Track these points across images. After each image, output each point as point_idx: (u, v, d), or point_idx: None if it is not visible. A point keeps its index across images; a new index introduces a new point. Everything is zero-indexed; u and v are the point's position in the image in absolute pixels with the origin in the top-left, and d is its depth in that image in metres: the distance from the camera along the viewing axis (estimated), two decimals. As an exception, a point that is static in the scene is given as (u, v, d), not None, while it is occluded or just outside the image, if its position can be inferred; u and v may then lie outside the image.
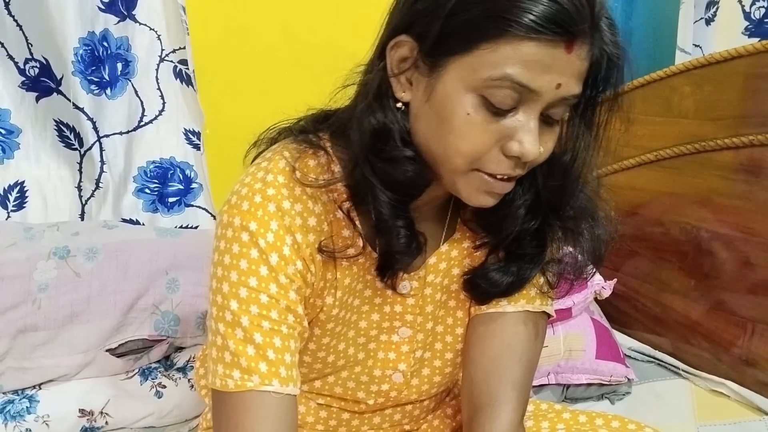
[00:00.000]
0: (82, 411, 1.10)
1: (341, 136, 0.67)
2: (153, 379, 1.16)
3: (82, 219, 1.33)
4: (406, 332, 0.76)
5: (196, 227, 1.39)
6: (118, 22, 1.27)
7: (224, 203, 0.66)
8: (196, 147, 1.36)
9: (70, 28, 1.23)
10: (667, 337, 1.41)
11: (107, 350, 1.12)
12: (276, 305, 0.63)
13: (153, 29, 1.30)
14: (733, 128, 1.24)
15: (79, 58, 1.25)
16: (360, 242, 0.68)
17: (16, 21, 1.20)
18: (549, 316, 0.79)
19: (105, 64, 1.28)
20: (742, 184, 1.26)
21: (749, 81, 1.23)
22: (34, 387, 1.11)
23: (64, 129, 1.29)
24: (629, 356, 1.36)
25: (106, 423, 1.12)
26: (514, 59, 0.56)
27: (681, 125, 1.33)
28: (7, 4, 1.19)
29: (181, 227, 1.37)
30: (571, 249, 0.74)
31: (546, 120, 0.61)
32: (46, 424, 1.08)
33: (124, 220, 1.34)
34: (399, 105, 0.63)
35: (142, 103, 1.32)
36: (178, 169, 1.36)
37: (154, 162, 1.35)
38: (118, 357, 1.13)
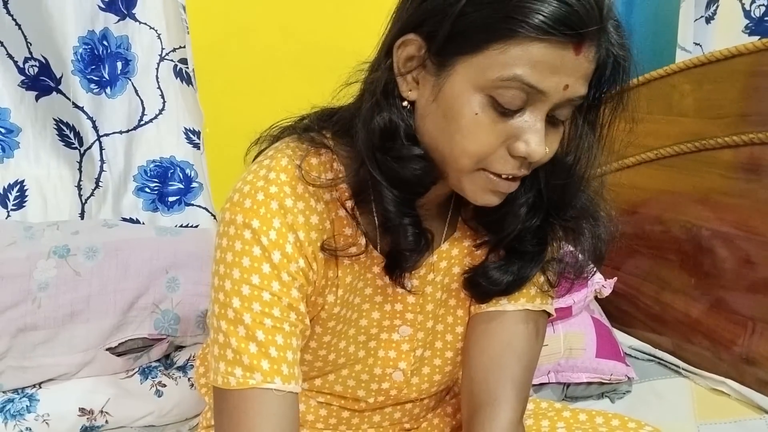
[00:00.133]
0: (82, 410, 1.10)
1: (345, 134, 0.67)
2: (153, 378, 1.16)
3: (82, 218, 1.33)
4: (406, 330, 0.76)
5: (196, 226, 1.39)
6: (118, 21, 1.27)
7: (226, 201, 0.66)
8: (196, 146, 1.36)
9: (69, 27, 1.23)
10: (667, 335, 1.41)
11: (107, 349, 1.12)
12: (278, 303, 0.63)
13: (153, 28, 1.30)
14: (734, 127, 1.24)
15: (79, 57, 1.25)
16: (362, 241, 0.68)
17: (14, 20, 1.20)
18: (549, 314, 0.79)
19: (105, 63, 1.28)
20: (743, 182, 1.26)
21: (749, 79, 1.23)
22: (34, 386, 1.11)
23: (64, 128, 1.29)
24: (629, 355, 1.36)
25: (106, 422, 1.12)
26: (524, 60, 0.56)
27: (681, 124, 1.33)
28: (5, 4, 1.18)
29: (181, 226, 1.37)
30: (571, 248, 0.75)
31: (551, 120, 0.61)
32: (46, 423, 1.08)
33: (124, 219, 1.34)
34: (405, 104, 0.63)
35: (142, 102, 1.32)
36: (178, 168, 1.36)
37: (154, 161, 1.35)
38: (118, 356, 1.13)
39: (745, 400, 1.23)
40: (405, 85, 0.63)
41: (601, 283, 1.31)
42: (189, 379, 1.17)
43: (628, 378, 1.27)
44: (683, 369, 1.32)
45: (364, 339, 0.75)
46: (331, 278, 0.69)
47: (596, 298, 1.34)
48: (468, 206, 0.74)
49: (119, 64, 1.29)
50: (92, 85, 1.28)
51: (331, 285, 0.69)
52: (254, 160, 0.70)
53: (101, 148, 1.31)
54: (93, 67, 1.27)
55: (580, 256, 0.74)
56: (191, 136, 1.36)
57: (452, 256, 0.75)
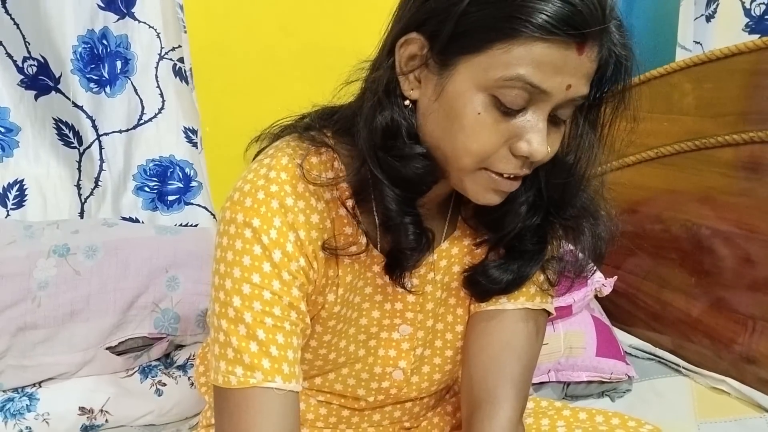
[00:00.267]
0: (82, 409, 1.10)
1: (345, 133, 0.67)
2: (153, 377, 1.16)
3: (82, 217, 1.32)
4: (406, 329, 0.76)
5: (196, 225, 1.39)
6: (118, 20, 1.27)
7: (227, 199, 0.66)
8: (196, 145, 1.36)
9: (68, 26, 1.22)
10: (667, 334, 1.41)
11: (107, 348, 1.12)
12: (279, 302, 0.63)
13: (152, 27, 1.29)
14: (734, 125, 1.24)
15: (78, 56, 1.25)
16: (362, 240, 0.68)
17: (13, 19, 1.20)
18: (549, 313, 0.79)
19: (104, 62, 1.28)
20: (743, 181, 1.26)
21: (750, 78, 1.23)
22: (34, 385, 1.11)
23: (63, 127, 1.29)
24: (630, 354, 1.36)
25: (106, 421, 1.12)
26: (527, 60, 0.56)
27: (681, 122, 1.33)
28: (4, 3, 1.18)
29: (180, 225, 1.37)
30: (571, 247, 0.74)
31: (553, 120, 0.61)
32: (46, 422, 1.08)
33: (124, 219, 1.34)
34: (407, 103, 0.63)
35: (141, 101, 1.32)
36: (178, 168, 1.36)
37: (153, 160, 1.35)
38: (118, 355, 1.13)
39: (746, 399, 1.22)
40: (407, 84, 0.63)
41: (601, 282, 1.31)
42: (189, 378, 1.17)
43: (629, 377, 1.27)
44: (683, 368, 1.32)
45: (364, 338, 0.75)
46: (332, 277, 0.69)
47: (596, 296, 1.34)
48: (468, 205, 0.74)
49: (119, 63, 1.29)
50: (92, 84, 1.28)
51: (332, 284, 0.69)
52: (254, 158, 0.70)
53: (101, 148, 1.31)
54: (92, 66, 1.27)
55: (580, 254, 0.74)
56: (190, 135, 1.36)
57: (452, 254, 0.75)
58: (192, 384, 1.15)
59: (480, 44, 0.57)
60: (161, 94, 1.33)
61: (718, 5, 1.46)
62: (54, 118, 1.28)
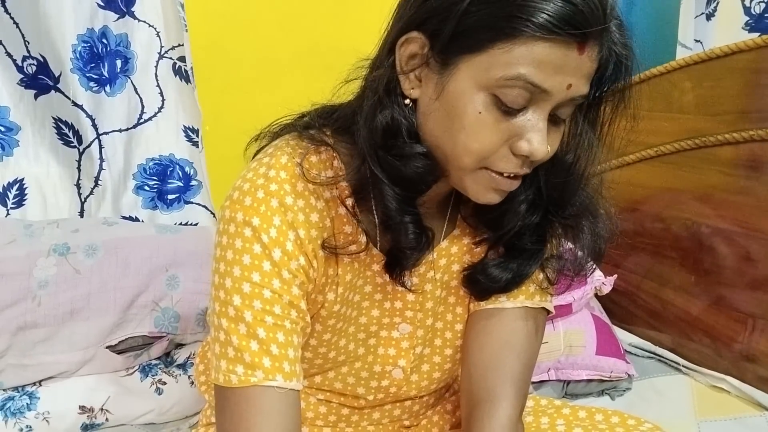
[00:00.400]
0: (82, 408, 1.10)
1: (345, 132, 0.67)
2: (153, 375, 1.16)
3: (82, 216, 1.33)
4: (406, 328, 0.76)
5: (196, 224, 1.39)
6: (118, 18, 1.27)
7: (226, 198, 0.66)
8: (195, 144, 1.36)
9: (68, 26, 1.22)
10: (667, 332, 1.41)
11: (107, 347, 1.12)
12: (279, 300, 0.63)
13: (152, 26, 1.29)
14: (734, 124, 1.24)
15: (78, 56, 1.25)
16: (362, 238, 0.68)
17: (12, 19, 1.20)
18: (548, 312, 0.79)
19: (104, 61, 1.28)
20: (743, 179, 1.26)
21: (750, 76, 1.23)
22: (34, 384, 1.11)
23: (63, 126, 1.29)
24: (629, 352, 1.36)
25: (107, 420, 1.12)
26: (528, 59, 0.56)
27: (681, 121, 1.33)
28: (3, 2, 1.18)
29: (180, 224, 1.37)
30: (571, 245, 0.74)
31: (553, 119, 0.61)
32: (47, 420, 1.08)
33: (124, 218, 1.34)
34: (407, 102, 0.63)
35: (141, 100, 1.32)
36: (178, 167, 1.36)
37: (153, 159, 1.35)
38: (118, 354, 1.13)
39: (746, 397, 1.23)
40: (407, 83, 0.63)
41: (601, 281, 1.31)
42: (189, 377, 1.17)
43: (629, 375, 1.27)
44: (683, 366, 1.32)
45: (364, 336, 0.75)
46: (331, 276, 0.69)
47: (596, 295, 1.34)
48: (468, 203, 0.74)
49: (119, 62, 1.29)
50: (92, 84, 1.28)
51: (331, 283, 0.69)
52: (254, 157, 0.70)
53: (101, 147, 1.31)
54: (92, 65, 1.27)
55: (579, 253, 0.74)
56: (190, 134, 1.36)
57: (452, 253, 0.75)
58: (192, 383, 1.15)
59: (481, 44, 0.57)
60: (161, 93, 1.33)
61: (718, 4, 1.46)
62: (54, 118, 1.28)
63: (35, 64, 1.24)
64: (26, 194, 1.29)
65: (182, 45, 1.30)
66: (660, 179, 1.39)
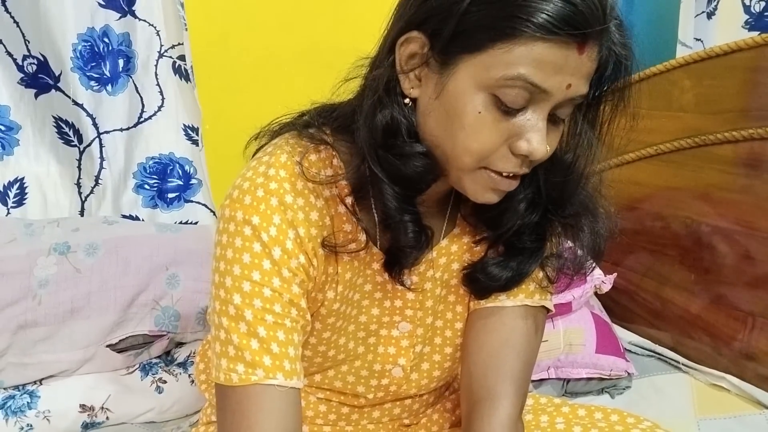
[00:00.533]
0: (82, 406, 1.11)
1: (344, 131, 0.67)
2: (153, 374, 1.16)
3: (82, 215, 1.33)
4: (405, 327, 0.76)
5: (196, 223, 1.39)
6: (119, 18, 1.27)
7: (226, 197, 0.66)
8: (195, 143, 1.36)
9: (68, 25, 1.22)
10: (667, 331, 1.41)
11: (108, 346, 1.12)
12: (279, 299, 0.63)
13: (152, 25, 1.29)
14: (733, 122, 1.24)
15: (78, 55, 1.25)
16: (362, 237, 0.68)
17: (12, 18, 1.20)
18: (548, 310, 0.79)
19: (106, 60, 1.28)
20: (743, 178, 1.26)
21: (749, 75, 1.23)
22: (34, 382, 1.11)
23: (63, 125, 1.29)
24: (629, 350, 1.36)
25: (107, 418, 1.12)
26: (528, 59, 0.56)
27: (681, 119, 1.33)
28: (3, 2, 1.18)
29: (180, 223, 1.37)
30: (570, 244, 0.75)
31: (552, 119, 0.61)
32: (47, 419, 1.08)
33: (124, 217, 1.34)
34: (407, 101, 0.63)
35: (141, 99, 1.32)
36: (178, 165, 1.36)
37: (153, 158, 1.35)
38: (118, 352, 1.13)
39: (745, 396, 1.23)
40: (407, 82, 0.63)
41: (600, 279, 1.31)
42: (189, 376, 1.17)
43: (628, 373, 1.27)
44: (683, 364, 1.32)
45: (364, 335, 0.75)
46: (331, 274, 0.69)
47: (596, 293, 1.35)
48: (467, 202, 0.74)
49: (121, 62, 1.29)
50: (92, 83, 1.28)
51: (331, 281, 0.69)
52: (253, 156, 0.70)
53: (101, 146, 1.31)
54: (93, 64, 1.27)
55: (579, 252, 0.74)
56: (190, 132, 1.36)
57: (451, 252, 0.75)
58: (192, 381, 1.15)
59: (481, 43, 0.57)
60: (161, 92, 1.33)
61: (718, 2, 1.46)
62: (54, 117, 1.28)
63: (35, 63, 1.24)
64: (27, 193, 1.29)
65: (182, 44, 1.30)
66: (660, 178, 1.39)
